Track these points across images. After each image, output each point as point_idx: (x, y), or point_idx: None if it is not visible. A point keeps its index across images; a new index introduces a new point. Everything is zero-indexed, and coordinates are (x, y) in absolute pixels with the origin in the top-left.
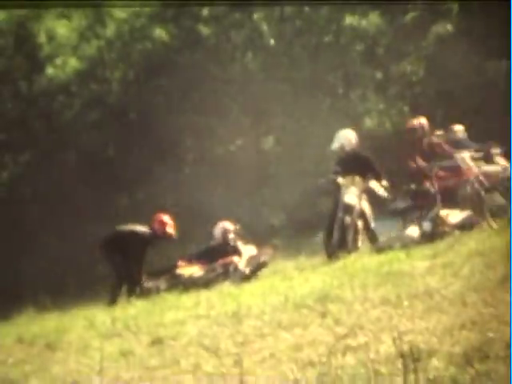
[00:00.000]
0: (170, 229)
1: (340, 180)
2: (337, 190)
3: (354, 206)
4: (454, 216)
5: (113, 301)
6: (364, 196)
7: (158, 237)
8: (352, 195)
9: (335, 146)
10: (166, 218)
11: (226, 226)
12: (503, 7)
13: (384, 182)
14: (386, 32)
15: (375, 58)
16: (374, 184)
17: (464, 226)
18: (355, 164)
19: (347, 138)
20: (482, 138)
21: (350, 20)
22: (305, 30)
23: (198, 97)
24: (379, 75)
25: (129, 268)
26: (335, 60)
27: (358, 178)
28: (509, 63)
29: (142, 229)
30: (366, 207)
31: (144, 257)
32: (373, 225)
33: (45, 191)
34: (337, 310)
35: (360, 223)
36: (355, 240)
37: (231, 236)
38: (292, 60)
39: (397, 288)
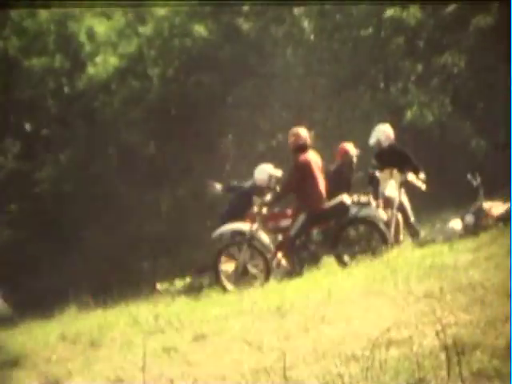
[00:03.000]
0: None
1: (378, 174)
2: (376, 183)
3: (395, 199)
4: (497, 208)
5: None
6: (403, 189)
7: None
8: (392, 188)
9: (372, 141)
10: None
11: (269, 170)
12: None
13: (422, 175)
14: (426, 24)
15: (416, 51)
16: (412, 177)
17: (507, 219)
18: (392, 158)
19: (384, 132)
20: None
21: (390, 13)
22: (344, 24)
23: (239, 92)
24: (420, 68)
25: None
26: (375, 53)
27: (395, 172)
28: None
29: None
30: (406, 200)
31: None
32: (412, 218)
33: (86, 189)
34: (380, 304)
35: (400, 217)
36: (397, 234)
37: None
38: (332, 54)
39: (440, 281)
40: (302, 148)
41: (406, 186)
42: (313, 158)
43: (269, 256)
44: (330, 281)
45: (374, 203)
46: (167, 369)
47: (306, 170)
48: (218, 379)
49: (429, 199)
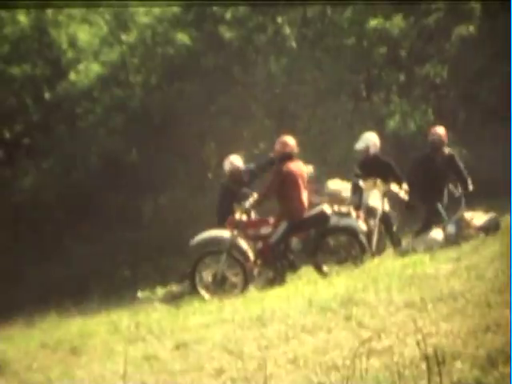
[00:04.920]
0: None
1: (362, 183)
2: (359, 193)
3: (377, 209)
4: (478, 219)
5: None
6: (386, 199)
7: None
8: (375, 198)
9: (360, 145)
10: None
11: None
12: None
13: (405, 186)
14: (409, 34)
15: (398, 61)
16: (394, 187)
17: (489, 229)
18: (376, 168)
19: (372, 140)
20: (503, 139)
21: (373, 22)
22: (327, 33)
23: (222, 100)
24: (402, 78)
25: None
26: (358, 63)
27: (379, 182)
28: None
29: None
30: (389, 210)
31: None
32: (395, 228)
33: (68, 196)
34: (361, 314)
35: (383, 226)
36: (379, 243)
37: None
38: (315, 63)
39: (421, 291)
40: (288, 157)
41: (388, 195)
42: (297, 167)
43: (248, 265)
44: (311, 290)
45: (354, 213)
46: (148, 377)
47: (287, 178)
48: None
49: (411, 209)
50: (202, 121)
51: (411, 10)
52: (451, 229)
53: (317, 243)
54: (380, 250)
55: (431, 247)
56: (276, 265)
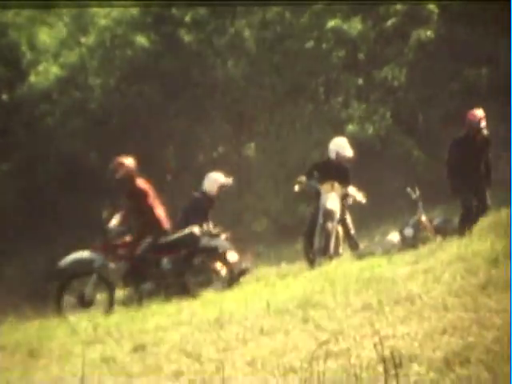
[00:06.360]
0: None
1: (319, 186)
2: (317, 196)
3: (336, 212)
4: (435, 222)
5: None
6: (344, 202)
7: None
8: (333, 201)
9: (332, 155)
10: None
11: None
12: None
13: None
14: (367, 37)
15: (357, 64)
16: (352, 190)
17: (445, 232)
18: (335, 171)
19: (342, 145)
20: None
21: (331, 25)
22: (286, 36)
23: (180, 103)
24: (361, 81)
25: None
26: (316, 66)
27: (337, 185)
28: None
29: None
30: (346, 213)
31: None
32: (353, 231)
33: (27, 199)
34: (318, 316)
35: (341, 229)
36: (337, 246)
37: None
38: (273, 66)
39: (378, 294)
40: (132, 175)
41: (346, 198)
42: (146, 184)
43: (114, 287)
44: (269, 292)
45: (223, 235)
46: (106, 379)
47: (145, 195)
48: None
49: (368, 212)
50: (160, 123)
51: (369, 12)
52: (409, 232)
53: (185, 263)
54: (338, 253)
55: (389, 250)
56: (141, 282)
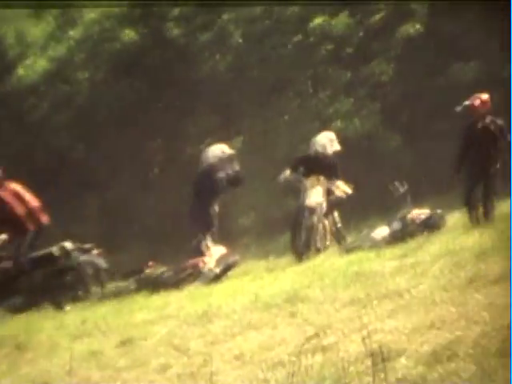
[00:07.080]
0: None
1: (304, 180)
2: (302, 190)
3: (318, 207)
4: (423, 216)
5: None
6: (331, 196)
7: None
8: (318, 195)
9: (318, 148)
10: None
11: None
12: (471, 9)
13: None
14: (354, 32)
15: (344, 59)
16: (340, 183)
17: (433, 226)
18: (321, 165)
19: (329, 138)
20: (448, 137)
21: (318, 20)
22: (273, 30)
23: (168, 97)
24: (348, 76)
25: None
26: (304, 60)
27: (322, 178)
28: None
29: None
30: (334, 207)
31: None
32: (339, 224)
33: None
34: (306, 310)
35: (327, 223)
36: (323, 240)
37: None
38: (261, 60)
39: (366, 288)
40: None
41: (333, 192)
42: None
43: None
44: (257, 286)
45: (95, 250)
46: (94, 372)
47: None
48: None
49: (356, 206)
50: (147, 116)
51: (356, 8)
52: (397, 226)
53: (55, 278)
54: (325, 247)
55: (377, 244)
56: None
